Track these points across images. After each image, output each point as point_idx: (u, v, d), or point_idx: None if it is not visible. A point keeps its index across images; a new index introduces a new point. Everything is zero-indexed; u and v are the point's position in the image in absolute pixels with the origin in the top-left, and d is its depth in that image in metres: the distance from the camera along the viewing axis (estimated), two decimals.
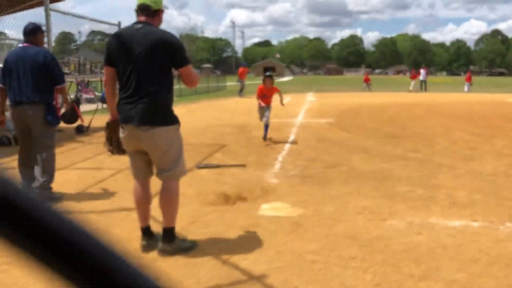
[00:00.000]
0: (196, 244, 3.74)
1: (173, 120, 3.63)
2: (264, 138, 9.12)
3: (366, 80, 33.42)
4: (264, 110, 9.25)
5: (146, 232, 3.75)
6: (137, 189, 3.77)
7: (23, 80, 4.96)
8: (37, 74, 4.95)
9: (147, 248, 3.69)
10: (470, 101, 22.05)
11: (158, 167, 3.66)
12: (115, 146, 3.87)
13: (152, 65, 3.50)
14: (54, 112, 5.15)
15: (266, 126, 9.18)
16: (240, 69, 26.11)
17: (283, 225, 4.24)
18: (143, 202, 3.74)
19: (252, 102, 20.72)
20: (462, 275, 3.20)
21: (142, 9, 3.60)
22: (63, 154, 7.40)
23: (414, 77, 32.44)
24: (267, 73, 9.70)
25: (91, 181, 6.01)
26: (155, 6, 3.61)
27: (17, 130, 5.35)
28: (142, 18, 3.60)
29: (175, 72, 3.68)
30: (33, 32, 5.15)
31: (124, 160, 7.10)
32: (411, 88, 31.33)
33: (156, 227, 3.87)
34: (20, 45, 5.36)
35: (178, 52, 3.57)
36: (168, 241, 3.62)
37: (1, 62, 10.61)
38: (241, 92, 24.49)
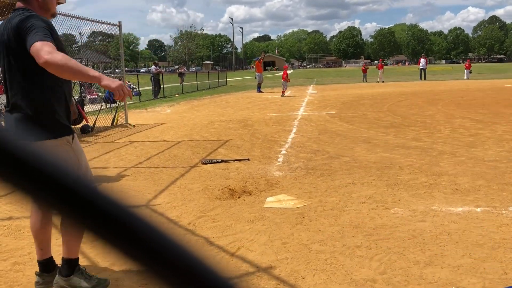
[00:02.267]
0: (104, 284, 3.01)
1: (50, 133, 2.77)
2: None
3: (364, 71, 34.09)
4: None
5: (45, 266, 3.03)
6: (33, 212, 3.02)
7: None
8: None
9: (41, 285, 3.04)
10: (469, 88, 22.04)
11: None
12: None
13: (15, 62, 2.75)
14: None
15: None
16: (256, 63, 26.37)
17: (288, 217, 4.29)
18: (38, 227, 2.95)
19: (255, 97, 20.78)
20: (467, 260, 3.24)
21: None
22: None
23: (380, 67, 33.67)
24: None
25: (98, 180, 6.06)
26: None
27: None
28: (18, 4, 2.85)
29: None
30: None
31: (130, 159, 7.21)
32: (379, 77, 32.08)
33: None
34: None
35: (25, 26, 2.62)
36: (64, 274, 2.95)
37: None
38: (259, 88, 24.29)
